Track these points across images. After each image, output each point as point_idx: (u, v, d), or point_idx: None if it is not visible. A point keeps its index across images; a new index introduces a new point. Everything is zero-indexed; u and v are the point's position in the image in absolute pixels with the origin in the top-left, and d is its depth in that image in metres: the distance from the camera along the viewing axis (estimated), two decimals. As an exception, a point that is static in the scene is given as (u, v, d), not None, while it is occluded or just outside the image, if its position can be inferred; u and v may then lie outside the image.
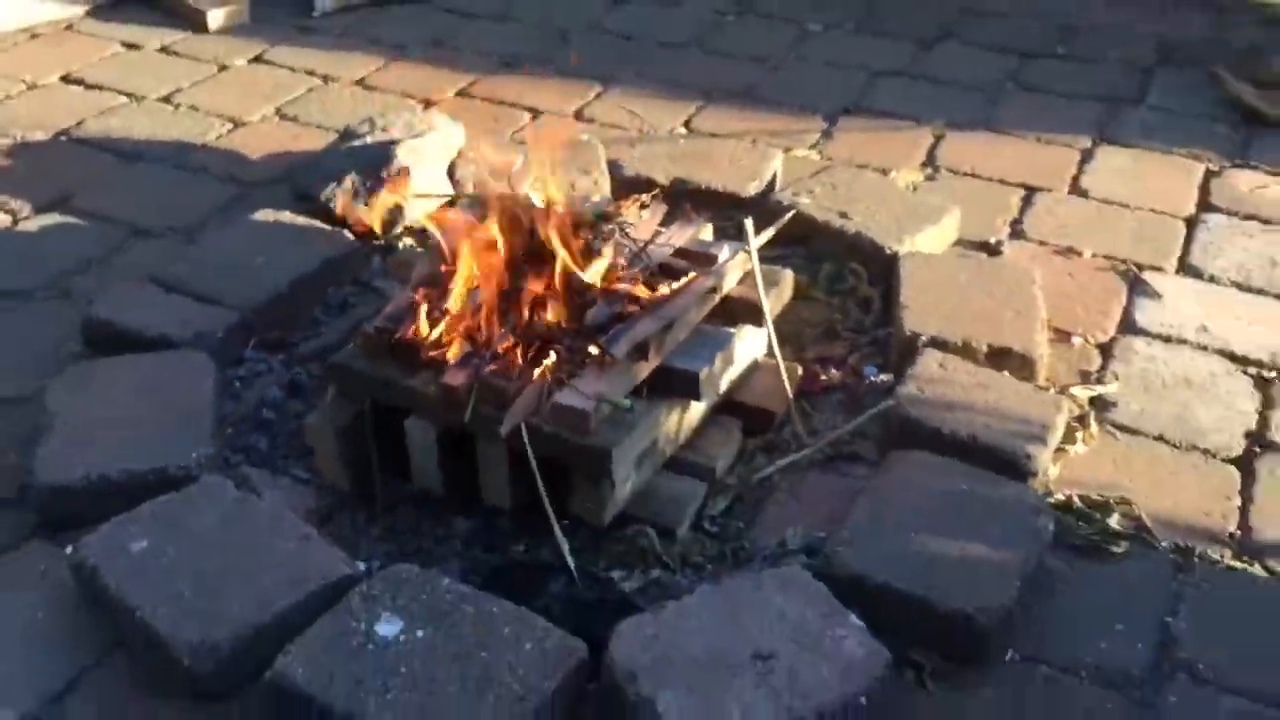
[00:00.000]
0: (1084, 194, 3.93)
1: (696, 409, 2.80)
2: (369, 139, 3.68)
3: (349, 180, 3.52)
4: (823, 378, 3.13)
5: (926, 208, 3.61)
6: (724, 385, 2.90)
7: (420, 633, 2.24)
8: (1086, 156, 4.14)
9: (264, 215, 3.48)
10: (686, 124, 4.36)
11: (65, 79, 4.55)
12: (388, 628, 2.25)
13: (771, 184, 3.79)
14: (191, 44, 4.85)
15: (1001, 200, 3.88)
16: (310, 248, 3.33)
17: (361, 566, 2.46)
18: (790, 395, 2.95)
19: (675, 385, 2.68)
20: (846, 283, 3.41)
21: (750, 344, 2.96)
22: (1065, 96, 4.57)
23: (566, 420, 2.48)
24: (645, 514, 2.67)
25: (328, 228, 3.44)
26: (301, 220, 3.46)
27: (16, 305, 3.30)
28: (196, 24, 4.94)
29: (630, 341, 2.56)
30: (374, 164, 3.55)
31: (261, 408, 2.99)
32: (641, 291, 2.71)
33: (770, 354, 2.93)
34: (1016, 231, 3.72)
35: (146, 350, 2.96)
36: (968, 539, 2.45)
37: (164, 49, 4.81)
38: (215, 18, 4.93)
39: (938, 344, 3.02)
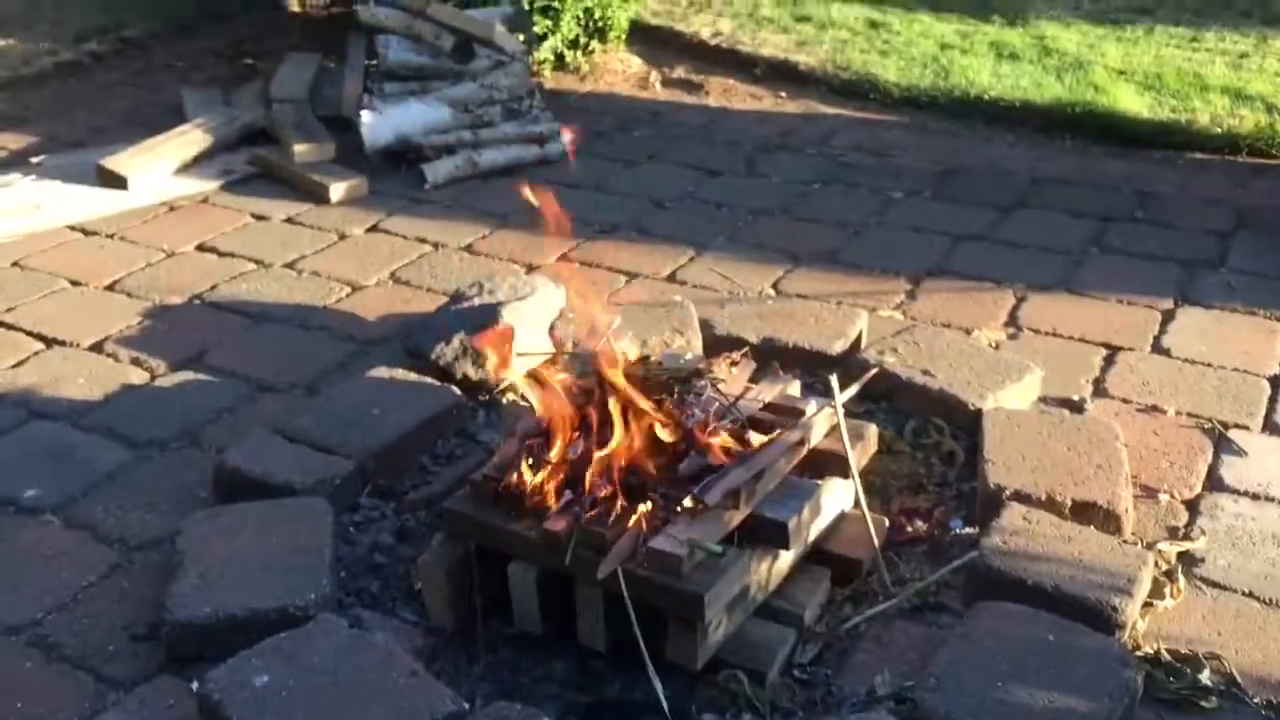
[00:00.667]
0: (1166, 353, 4.02)
1: (786, 557, 2.91)
2: (476, 301, 3.94)
3: (457, 339, 3.76)
4: (908, 529, 3.22)
5: (1008, 365, 3.74)
6: (812, 535, 3.01)
7: (519, 777, 2.35)
8: (1168, 317, 4.25)
9: (379, 372, 3.73)
10: (775, 285, 4.57)
11: (200, 247, 4.92)
12: (489, 764, 2.36)
13: (857, 343, 3.95)
14: (314, 215, 5.23)
15: (1084, 359, 3.98)
16: (420, 402, 3.56)
17: (466, 706, 2.58)
18: (877, 546, 3.05)
19: (765, 534, 2.81)
20: (930, 437, 3.53)
21: (837, 496, 3.08)
22: (1145, 258, 4.70)
23: (660, 564, 2.62)
24: (737, 659, 2.76)
25: (437, 383, 3.67)
26: (413, 376, 3.70)
27: (154, 454, 3.56)
28: (320, 198, 5.33)
29: (722, 490, 2.70)
30: (481, 324, 3.79)
31: (374, 552, 3.17)
32: (731, 443, 2.86)
33: (857, 505, 3.05)
34: (1100, 390, 3.82)
35: (270, 496, 3.18)
36: (1055, 690, 2.51)
37: (289, 219, 5.19)
38: (337, 191, 5.31)
39: (1021, 498, 3.11)
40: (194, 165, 5.60)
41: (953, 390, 3.58)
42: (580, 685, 2.79)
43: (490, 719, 2.47)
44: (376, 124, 5.52)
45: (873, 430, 3.18)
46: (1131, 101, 6.15)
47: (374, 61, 5.94)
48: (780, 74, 6.93)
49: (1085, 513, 3.08)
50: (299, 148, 5.51)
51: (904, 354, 3.77)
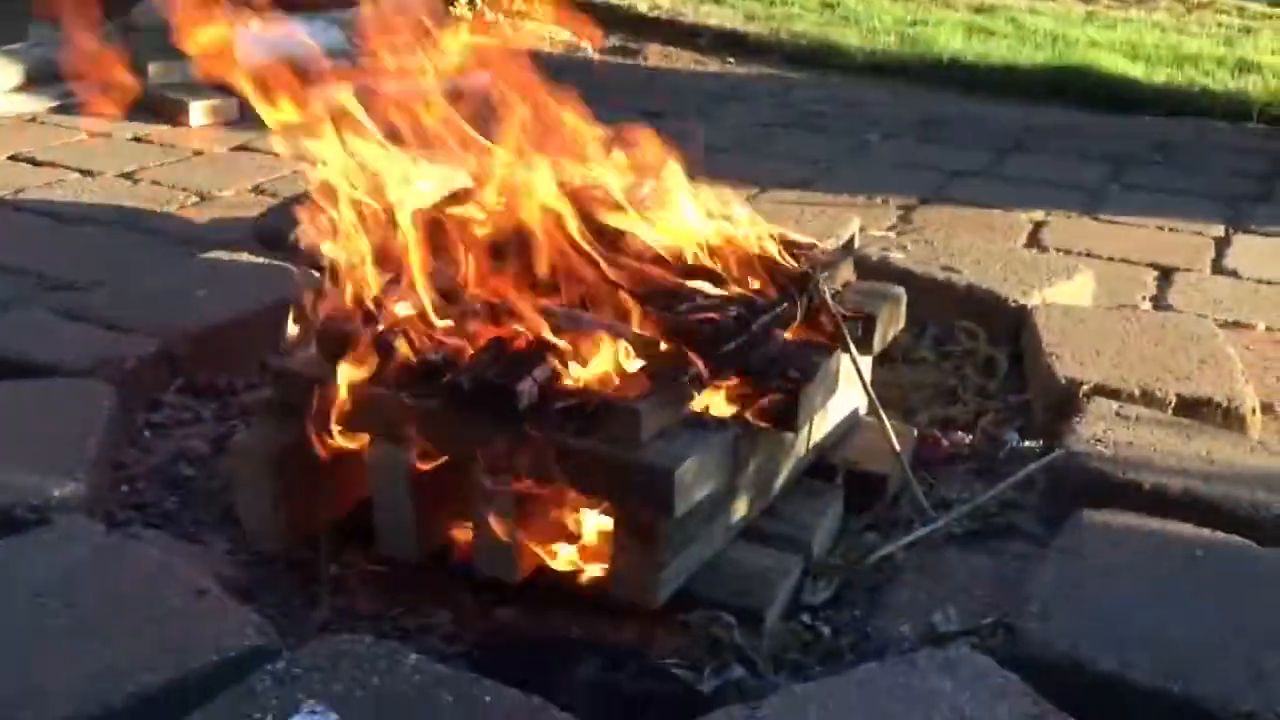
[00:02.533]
0: (1233, 274, 3.20)
1: (787, 454, 1.98)
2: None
3: (326, 217, 2.80)
4: (944, 444, 2.31)
5: (1051, 264, 2.88)
6: (817, 434, 2.09)
7: (365, 728, 1.35)
8: (1222, 243, 3.44)
9: (216, 255, 2.75)
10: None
11: (14, 158, 3.91)
12: (310, 720, 1.36)
13: (850, 244, 3.06)
14: (169, 134, 4.25)
15: (1133, 278, 3.14)
16: (266, 284, 2.58)
17: (278, 638, 1.58)
18: (903, 458, 2.13)
19: (761, 413, 1.87)
20: (959, 344, 2.63)
21: (844, 393, 2.17)
22: (1177, 193, 3.91)
23: (610, 426, 1.66)
24: (717, 594, 1.80)
25: (294, 267, 2.70)
26: (263, 260, 2.72)
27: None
28: (177, 119, 4.36)
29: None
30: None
31: (178, 462, 2.16)
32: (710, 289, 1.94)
33: (871, 412, 2.13)
34: (1161, 305, 2.97)
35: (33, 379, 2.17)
36: (1227, 618, 1.59)
37: (137, 138, 4.20)
38: (197, 110, 4.35)
39: (1106, 393, 2.22)
40: (26, 89, 4.60)
41: (986, 285, 2.70)
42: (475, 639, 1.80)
43: (319, 656, 1.47)
44: (251, 42, 4.57)
45: (899, 294, 2.27)
46: (1125, 68, 5.45)
47: (257, -15, 5.01)
48: (727, 43, 6.14)
49: (1196, 412, 2.20)
50: (154, 66, 4.54)
51: (915, 252, 2.89)
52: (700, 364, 1.76)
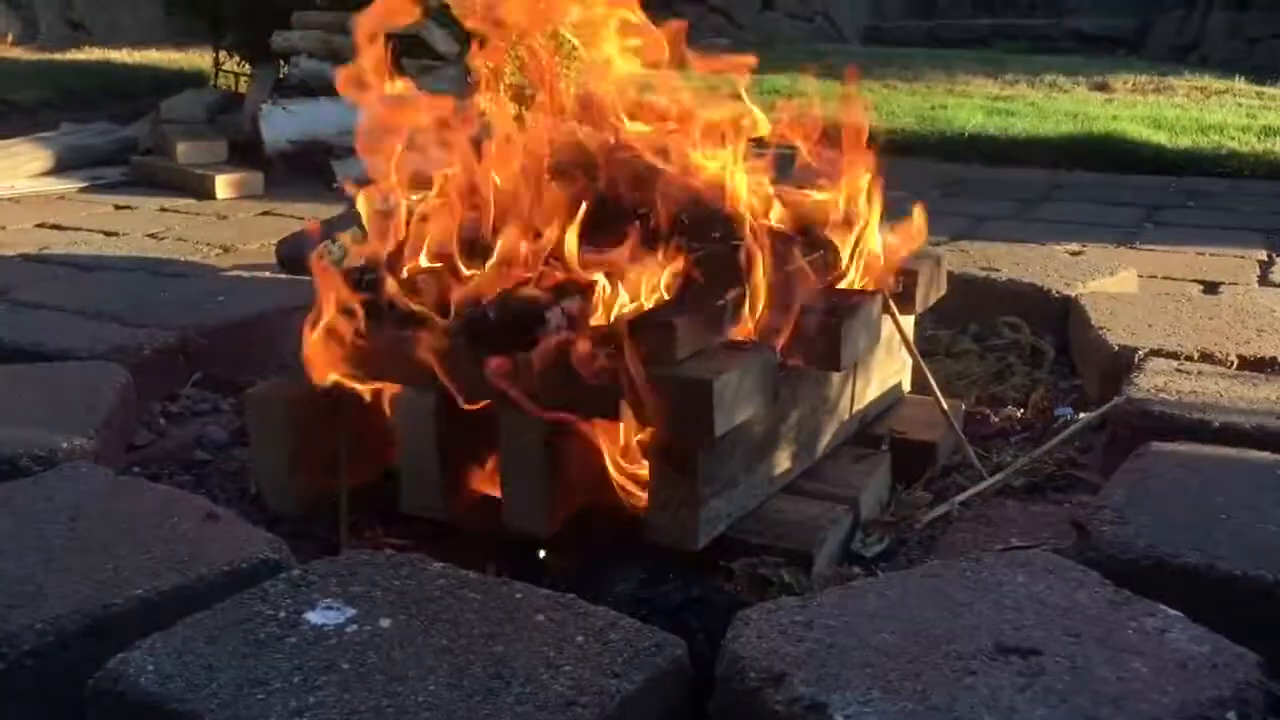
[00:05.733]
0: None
1: (827, 418, 1.88)
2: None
3: (346, 236, 2.76)
4: (994, 420, 2.19)
5: (1093, 263, 2.79)
6: (859, 404, 1.99)
7: (385, 621, 1.24)
8: (1266, 264, 3.35)
9: (236, 273, 2.70)
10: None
11: (40, 225, 3.92)
12: (325, 615, 1.25)
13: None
14: (194, 205, 4.26)
15: (1177, 290, 3.04)
16: (288, 293, 2.51)
17: (291, 556, 1.47)
18: (955, 424, 2.02)
19: (802, 350, 1.78)
20: (1003, 337, 2.53)
21: (887, 368, 2.09)
22: (1217, 228, 3.84)
23: (644, 342, 1.57)
24: (762, 539, 1.68)
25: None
26: (283, 276, 2.68)
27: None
28: (204, 193, 4.39)
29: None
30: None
31: (195, 448, 2.08)
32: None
33: (917, 388, 2.04)
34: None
35: (43, 368, 2.11)
36: (1316, 522, 1.46)
37: (162, 209, 4.21)
38: (223, 183, 4.38)
39: (1165, 356, 2.11)
40: (57, 173, 4.65)
41: (1027, 280, 2.61)
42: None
43: (337, 565, 1.36)
44: (279, 119, 4.65)
45: (939, 255, 2.19)
46: (1149, 135, 5.44)
47: (283, 76, 5.12)
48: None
49: (1259, 370, 2.08)
50: (183, 146, 4.60)
51: (950, 259, 2.81)
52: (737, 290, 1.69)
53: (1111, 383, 2.09)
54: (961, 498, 1.86)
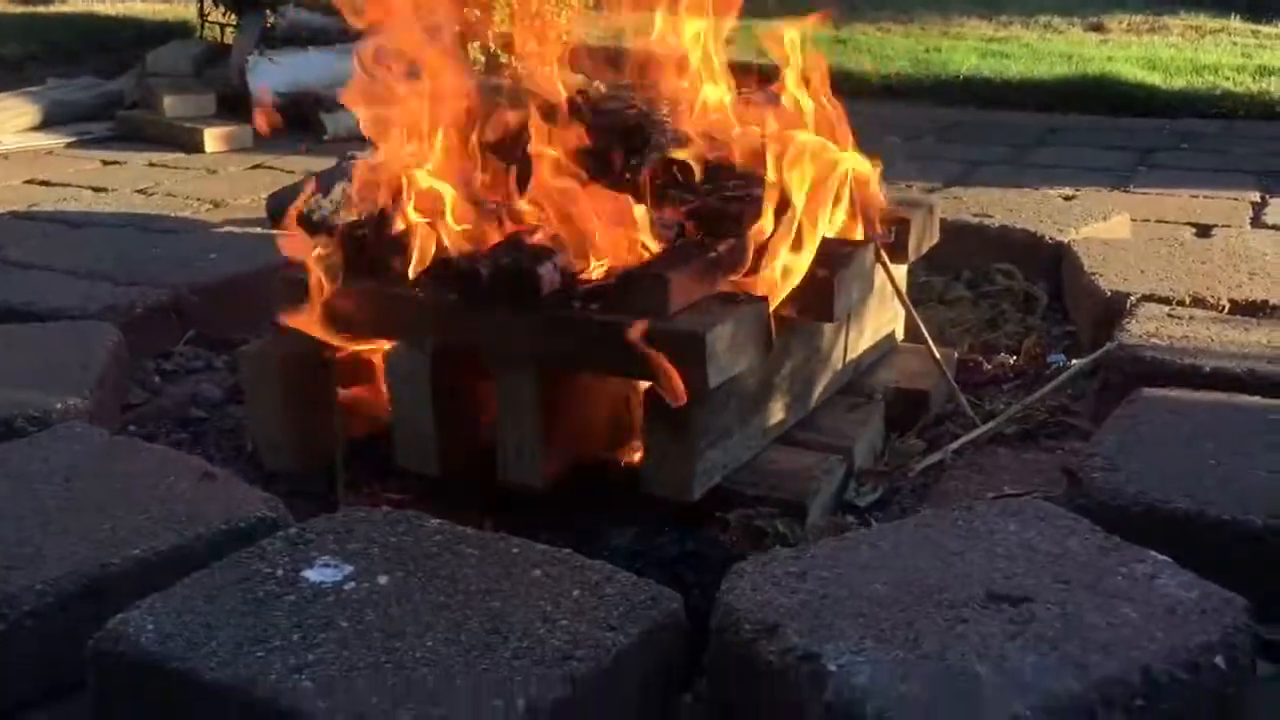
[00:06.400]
0: (1275, 228, 3.10)
1: (821, 369, 1.89)
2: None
3: (339, 188, 2.74)
4: (987, 367, 2.20)
5: (1086, 208, 2.79)
6: (852, 353, 2.00)
7: (383, 578, 1.25)
8: (1259, 205, 3.34)
9: (227, 229, 2.69)
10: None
11: (29, 181, 3.89)
12: (324, 573, 1.26)
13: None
14: (183, 159, 4.23)
15: (1171, 234, 3.04)
16: (277, 249, 2.50)
17: (288, 513, 1.48)
18: (947, 373, 2.03)
19: (795, 300, 1.78)
20: (995, 284, 2.53)
21: (879, 318, 2.09)
22: (1208, 170, 3.83)
23: (637, 297, 1.58)
24: (757, 490, 1.69)
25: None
26: (273, 232, 2.66)
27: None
28: (192, 146, 4.35)
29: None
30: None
31: (190, 406, 2.08)
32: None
33: (909, 336, 2.04)
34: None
35: (36, 327, 2.10)
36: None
37: (151, 163, 4.18)
38: (212, 137, 4.34)
39: (1157, 300, 2.12)
40: (44, 128, 4.61)
41: (1020, 226, 2.61)
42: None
43: (334, 522, 1.37)
44: (266, 70, 4.60)
45: (931, 203, 2.18)
46: (1143, 76, 5.41)
47: (270, 25, 5.06)
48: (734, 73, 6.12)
49: (1251, 314, 2.09)
50: (170, 99, 4.55)
51: (945, 206, 2.80)
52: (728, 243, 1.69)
53: (1104, 328, 2.10)
54: (954, 445, 1.87)
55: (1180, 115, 4.94)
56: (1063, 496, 1.46)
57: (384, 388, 1.80)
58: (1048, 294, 2.47)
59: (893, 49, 6.31)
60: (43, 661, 1.23)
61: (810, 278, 1.75)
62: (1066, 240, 2.51)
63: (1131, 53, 6.11)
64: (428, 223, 1.80)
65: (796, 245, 1.76)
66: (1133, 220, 3.13)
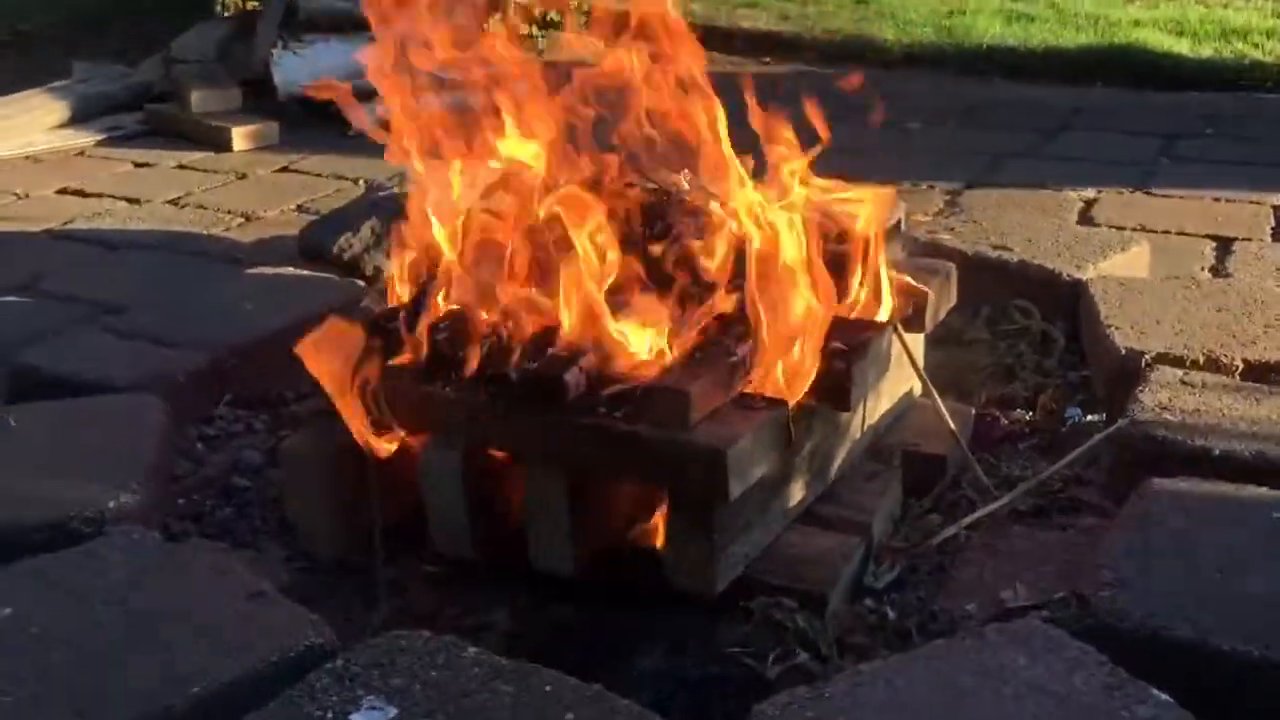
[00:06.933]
0: (1295, 241, 3.12)
1: (839, 444, 1.95)
2: (397, 190, 2.99)
3: (368, 227, 2.81)
4: (1004, 423, 2.26)
5: (1105, 238, 2.82)
6: (871, 419, 2.05)
7: (425, 722, 1.33)
8: (1282, 212, 3.36)
9: (260, 270, 2.76)
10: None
11: (63, 191, 3.96)
12: (370, 717, 1.35)
13: (897, 226, 3.00)
14: (211, 161, 4.29)
15: (1190, 249, 3.07)
16: (312, 295, 2.57)
17: (335, 639, 1.56)
18: (959, 437, 2.08)
19: (813, 390, 1.83)
20: (1014, 322, 2.57)
21: (898, 379, 2.14)
22: (1231, 164, 3.83)
23: (658, 407, 1.64)
24: (778, 580, 1.76)
25: (337, 278, 2.70)
26: (306, 273, 2.73)
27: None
28: (220, 145, 4.40)
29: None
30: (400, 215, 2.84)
31: (232, 474, 2.16)
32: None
33: (926, 394, 2.09)
34: (1222, 274, 2.90)
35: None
36: (1306, 577, 1.53)
37: (180, 166, 4.24)
38: (240, 135, 4.39)
39: (1169, 362, 2.16)
40: (74, 124, 4.66)
41: (1038, 262, 2.64)
42: (534, 637, 1.78)
43: (378, 651, 1.45)
44: (291, 64, 4.64)
45: (949, 270, 2.23)
46: (1170, 45, 5.36)
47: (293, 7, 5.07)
48: (762, 45, 6.09)
49: (1265, 377, 2.13)
50: (196, 94, 4.59)
51: (964, 232, 2.84)
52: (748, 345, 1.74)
53: (1119, 389, 2.14)
54: (968, 520, 1.93)
55: (1206, 88, 4.91)
56: (1071, 618, 1.53)
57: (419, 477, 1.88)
58: (1065, 335, 2.50)
59: (915, 12, 6.25)
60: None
61: (827, 369, 1.81)
62: (1084, 279, 2.54)
63: (1159, 14, 6.04)
64: (457, 314, 1.86)
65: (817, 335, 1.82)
66: (1151, 233, 3.16)
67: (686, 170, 2.08)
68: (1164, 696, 1.33)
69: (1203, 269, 2.94)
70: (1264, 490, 1.74)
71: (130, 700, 1.38)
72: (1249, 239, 3.13)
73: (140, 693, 1.39)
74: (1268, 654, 1.40)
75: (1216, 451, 1.84)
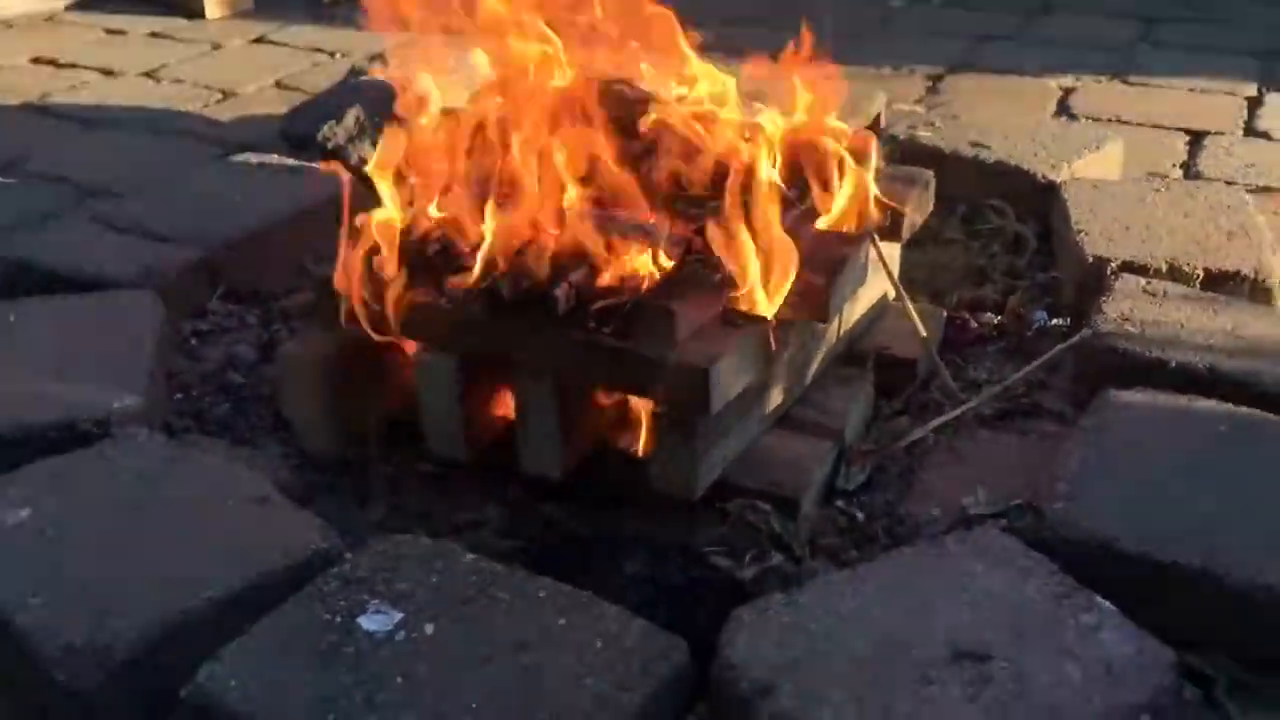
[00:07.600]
0: (1265, 135, 3.17)
1: (816, 351, 2.03)
2: (381, 76, 2.98)
3: (352, 115, 2.81)
4: (974, 325, 2.34)
5: (1080, 135, 2.86)
6: (846, 325, 2.13)
7: (429, 627, 1.44)
8: (1255, 103, 3.39)
9: (246, 158, 2.78)
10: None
11: (36, 60, 3.91)
12: (377, 621, 1.45)
13: (875, 123, 3.05)
14: (185, 29, 4.23)
15: (1163, 143, 3.12)
16: (299, 188, 2.61)
17: (339, 542, 1.66)
18: (927, 340, 2.17)
19: (791, 304, 1.91)
20: (989, 222, 2.64)
21: (874, 283, 2.21)
22: (1208, 50, 3.85)
23: (646, 325, 1.71)
24: (754, 483, 1.87)
25: (321, 168, 2.72)
26: (291, 162, 2.75)
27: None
28: (192, 11, 4.33)
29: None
30: (386, 98, 2.84)
31: (228, 369, 2.23)
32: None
33: (899, 298, 2.16)
34: (1192, 172, 2.96)
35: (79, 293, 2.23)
36: (1253, 494, 1.64)
37: (153, 34, 4.18)
38: (214, 2, 4.31)
39: (1135, 269, 2.24)
40: (42, -14, 4.56)
41: (1014, 161, 2.70)
42: (525, 534, 1.88)
43: (383, 557, 1.55)
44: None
45: (927, 179, 2.28)
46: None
47: None
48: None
49: (1223, 285, 2.22)
50: (167, -42, 4.49)
51: (943, 128, 2.88)
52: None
53: (1085, 294, 2.23)
54: (935, 424, 2.03)
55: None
56: (1027, 528, 1.64)
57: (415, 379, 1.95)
58: (1037, 235, 2.58)
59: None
60: (133, 704, 1.43)
61: (805, 282, 1.88)
62: (1058, 180, 2.60)
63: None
64: (451, 223, 1.91)
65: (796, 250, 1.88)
66: (1129, 124, 3.21)
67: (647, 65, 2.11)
68: (1108, 605, 1.45)
69: (1175, 165, 3.00)
70: (1214, 404, 1.84)
71: (148, 603, 1.48)
72: (1220, 133, 3.18)
73: (156, 597, 1.49)
74: (1207, 565, 1.52)
75: (1173, 364, 1.94)
